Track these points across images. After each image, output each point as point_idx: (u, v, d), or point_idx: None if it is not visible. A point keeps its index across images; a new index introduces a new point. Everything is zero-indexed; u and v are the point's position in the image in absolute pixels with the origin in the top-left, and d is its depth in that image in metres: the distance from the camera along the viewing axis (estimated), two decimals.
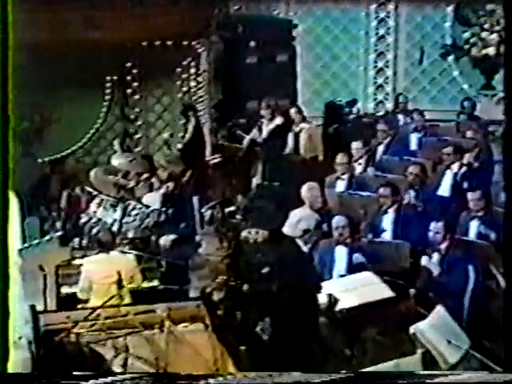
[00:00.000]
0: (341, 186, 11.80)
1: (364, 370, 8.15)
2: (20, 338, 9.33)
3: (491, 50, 13.56)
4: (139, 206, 10.94)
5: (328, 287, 9.49)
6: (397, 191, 10.93)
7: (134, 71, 13.46)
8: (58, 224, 11.58)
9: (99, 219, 10.83)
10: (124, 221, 10.67)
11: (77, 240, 10.71)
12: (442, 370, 8.58)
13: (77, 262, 9.90)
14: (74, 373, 8.06)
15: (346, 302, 9.40)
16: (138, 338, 8.17)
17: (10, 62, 8.78)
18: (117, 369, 7.77)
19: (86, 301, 9.33)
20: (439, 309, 9.06)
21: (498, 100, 13.57)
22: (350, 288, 9.58)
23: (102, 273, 9.44)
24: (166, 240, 10.38)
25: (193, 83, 13.68)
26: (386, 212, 10.80)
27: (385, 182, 11.18)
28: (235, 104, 13.70)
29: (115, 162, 12.37)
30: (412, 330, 8.89)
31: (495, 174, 12.06)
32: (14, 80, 11.47)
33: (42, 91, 12.46)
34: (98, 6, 12.52)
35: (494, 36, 13.52)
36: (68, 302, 9.41)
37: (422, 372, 7.99)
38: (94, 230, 10.73)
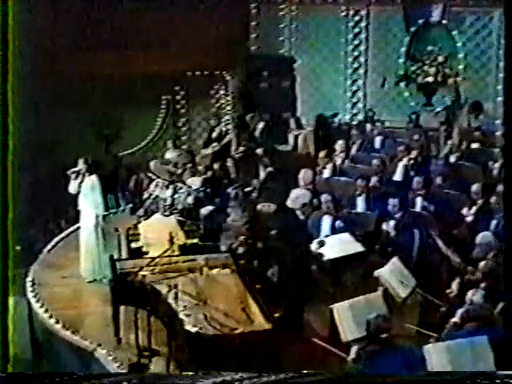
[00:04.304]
0: (326, 173, 11.67)
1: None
2: (103, 277, 9.29)
3: (430, 79, 13.42)
4: (185, 186, 10.81)
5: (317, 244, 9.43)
6: (368, 181, 10.80)
7: (182, 92, 13.43)
8: (129, 199, 11.49)
9: (157, 196, 10.69)
10: (174, 197, 10.52)
11: (141, 210, 10.57)
12: (397, 302, 8.53)
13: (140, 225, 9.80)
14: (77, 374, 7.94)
15: (330, 255, 9.33)
16: (184, 278, 8.09)
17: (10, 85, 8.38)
18: (171, 300, 7.66)
19: (147, 252, 9.15)
20: (394, 259, 9.00)
21: (435, 113, 13.44)
22: (333, 245, 9.51)
23: (157, 233, 9.31)
24: (205, 210, 10.26)
25: (222, 101, 13.61)
26: (360, 194, 10.67)
27: (361, 174, 11.04)
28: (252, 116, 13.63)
29: (168, 155, 12.41)
30: (376, 273, 8.85)
31: (432, 165, 11.86)
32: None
33: (117, 107, 12.41)
34: (155, 46, 12.49)
35: (432, 69, 13.38)
36: (135, 253, 9.31)
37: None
38: (153, 203, 10.59)
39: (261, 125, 13.21)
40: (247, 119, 13.33)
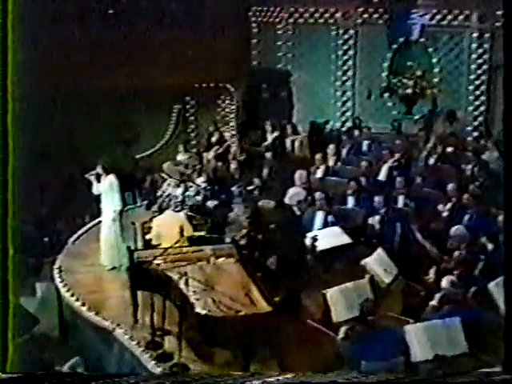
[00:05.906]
0: (320, 173, 11.57)
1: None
2: (121, 266, 9.27)
3: (409, 90, 13.36)
4: (194, 185, 10.74)
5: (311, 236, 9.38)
6: (360, 183, 10.71)
7: (191, 102, 13.40)
8: (144, 196, 11.46)
9: (169, 193, 10.62)
10: (185, 194, 10.45)
11: (156, 206, 10.51)
12: (381, 288, 8.48)
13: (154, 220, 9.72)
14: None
15: (322, 246, 9.29)
16: (193, 267, 8.01)
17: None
18: (182, 286, 7.60)
19: (159, 244, 9.03)
20: (379, 250, 8.96)
21: (415, 121, 13.39)
22: (325, 237, 9.46)
23: (168, 226, 9.19)
24: (212, 205, 10.21)
25: (227, 109, 13.57)
26: (352, 194, 10.57)
27: (351, 177, 10.90)
28: (254, 123, 13.54)
29: (179, 158, 12.39)
30: (362, 262, 8.82)
31: (413, 166, 11.75)
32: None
33: (134, 115, 12.37)
34: (168, 61, 12.47)
35: (411, 82, 13.34)
36: (150, 244, 9.25)
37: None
38: (166, 200, 10.51)
39: (276, 133, 13.13)
40: (266, 128, 13.22)
